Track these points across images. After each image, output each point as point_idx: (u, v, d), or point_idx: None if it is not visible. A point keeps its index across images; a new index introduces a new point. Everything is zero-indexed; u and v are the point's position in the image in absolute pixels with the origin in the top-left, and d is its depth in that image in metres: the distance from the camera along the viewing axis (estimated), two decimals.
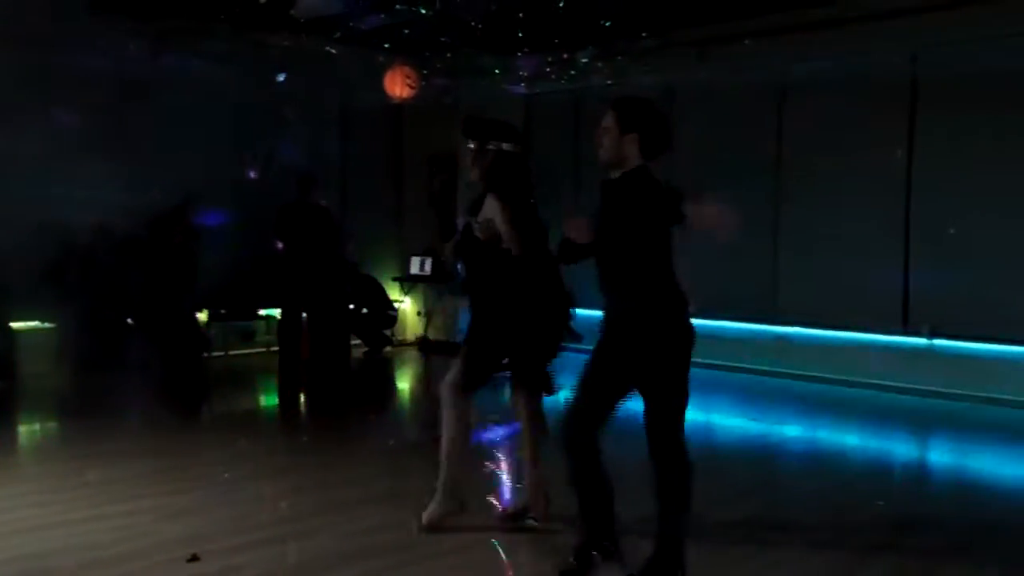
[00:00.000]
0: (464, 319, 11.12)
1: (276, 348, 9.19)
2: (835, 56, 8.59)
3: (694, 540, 3.82)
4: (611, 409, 3.68)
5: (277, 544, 4.28)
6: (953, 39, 7.89)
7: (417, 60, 9.84)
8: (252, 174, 9.52)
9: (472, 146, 4.31)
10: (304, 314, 8.65)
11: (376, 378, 9.96)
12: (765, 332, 9.18)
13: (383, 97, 9.90)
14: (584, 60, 9.74)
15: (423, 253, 10.96)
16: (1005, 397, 7.65)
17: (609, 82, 10.10)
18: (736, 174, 9.34)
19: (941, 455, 6.79)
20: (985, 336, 7.87)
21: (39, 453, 6.48)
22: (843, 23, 8.28)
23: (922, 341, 8.24)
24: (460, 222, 4.61)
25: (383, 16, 8.39)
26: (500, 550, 4.12)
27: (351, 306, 10.16)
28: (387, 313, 10.81)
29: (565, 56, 9.90)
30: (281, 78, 9.70)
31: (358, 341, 10.44)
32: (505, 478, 5.02)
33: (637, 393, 3.71)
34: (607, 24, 8.42)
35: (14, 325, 8.39)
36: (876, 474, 5.97)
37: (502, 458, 5.28)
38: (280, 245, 8.53)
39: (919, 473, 6.26)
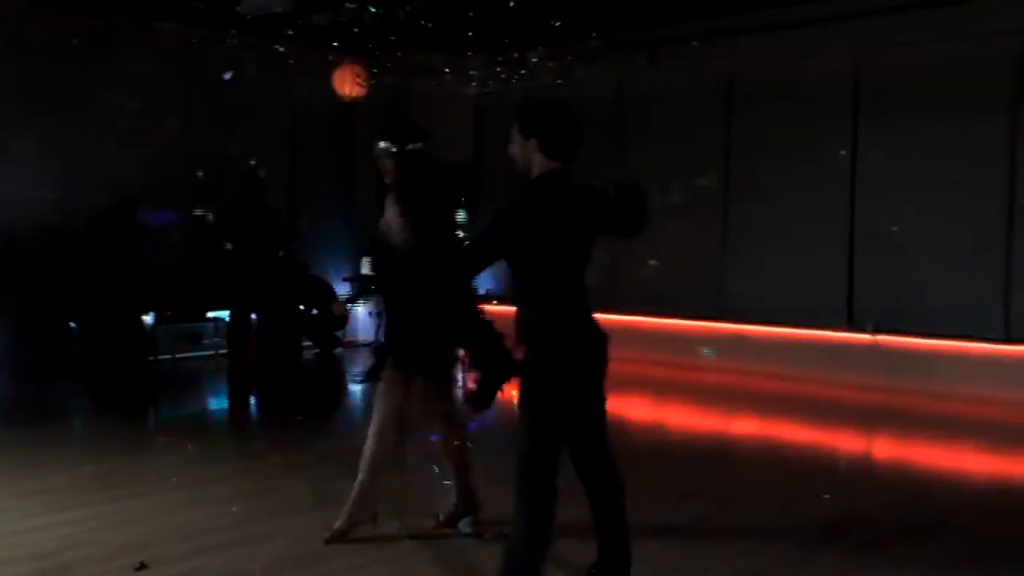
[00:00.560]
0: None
1: (225, 351, 9.07)
2: (781, 58, 8.73)
3: (644, 540, 3.85)
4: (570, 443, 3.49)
5: (229, 549, 4.22)
6: (895, 43, 8.07)
7: (367, 59, 9.78)
8: (199, 173, 9.36)
9: (393, 149, 4.30)
10: (253, 316, 8.54)
11: (326, 380, 9.88)
12: (713, 329, 9.29)
13: (333, 96, 9.83)
14: (534, 60, 9.76)
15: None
16: (947, 392, 7.84)
17: (559, 82, 10.15)
18: (685, 174, 9.45)
19: (885, 449, 6.94)
20: (927, 332, 8.07)
21: None
22: (789, 27, 8.43)
23: (866, 337, 8.41)
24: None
25: (332, 14, 8.33)
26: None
27: (300, 307, 10.08)
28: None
29: (515, 56, 9.92)
30: (228, 76, 9.56)
31: (309, 342, 10.36)
32: (445, 484, 5.01)
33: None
34: (557, 24, 8.45)
35: None
36: (823, 468, 6.07)
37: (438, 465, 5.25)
38: (228, 246, 8.42)
39: (864, 466, 6.38)
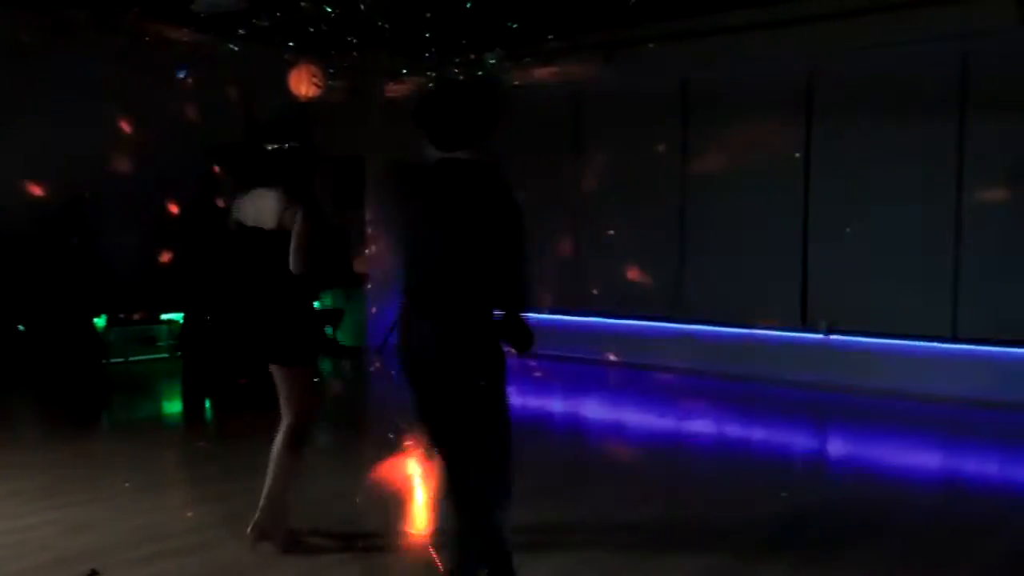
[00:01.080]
0: (372, 322, 11.06)
1: (179, 354, 8.95)
2: (737, 61, 8.83)
3: (599, 541, 3.83)
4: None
5: (183, 555, 4.17)
6: (846, 47, 8.21)
7: (323, 59, 9.71)
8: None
9: (283, 146, 4.32)
10: (208, 318, 8.44)
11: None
12: (670, 329, 9.38)
13: (288, 96, 9.73)
14: (492, 61, 9.77)
15: None
16: (897, 390, 8.00)
17: (516, 83, 10.16)
18: (642, 175, 9.53)
19: (839, 446, 7.05)
20: (878, 332, 8.22)
21: None
22: (744, 30, 8.52)
23: (819, 337, 8.54)
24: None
25: (286, 14, 8.25)
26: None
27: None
28: None
29: (472, 57, 9.91)
30: (182, 74, 9.45)
31: None
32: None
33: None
34: (514, 26, 8.46)
35: None
36: (779, 466, 6.16)
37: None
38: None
39: (819, 464, 6.48)
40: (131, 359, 9.53)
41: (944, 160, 7.90)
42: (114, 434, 7.25)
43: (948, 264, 7.90)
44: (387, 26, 8.37)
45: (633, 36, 9.15)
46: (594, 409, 7.99)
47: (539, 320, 10.93)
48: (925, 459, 6.31)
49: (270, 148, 4.28)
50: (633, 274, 9.59)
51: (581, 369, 9.59)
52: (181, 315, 8.88)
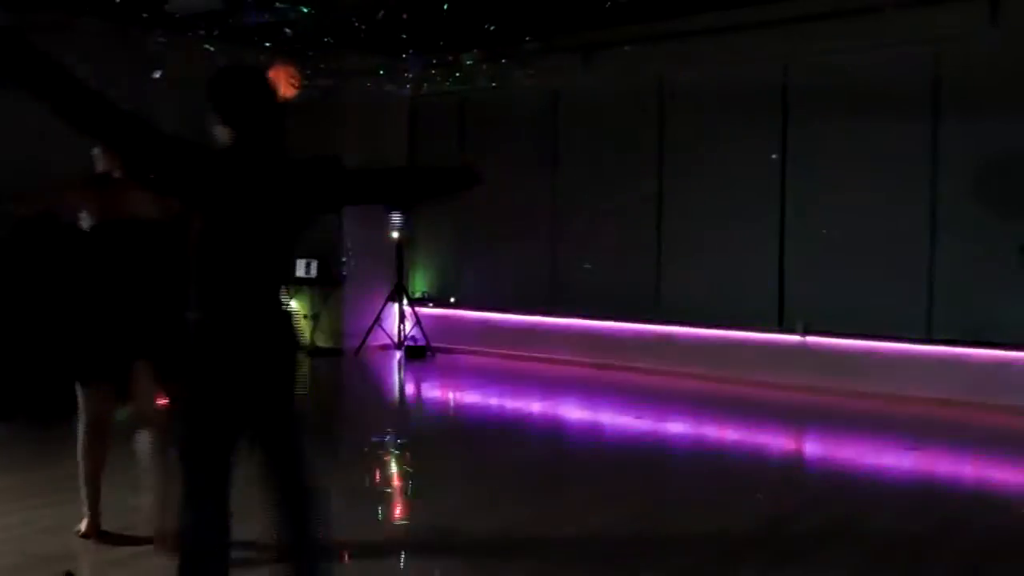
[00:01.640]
0: (350, 323, 10.99)
1: None
2: (713, 63, 8.88)
3: (575, 543, 3.82)
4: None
5: (157, 556, 4.13)
6: (821, 49, 8.27)
7: (300, 60, 9.66)
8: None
9: None
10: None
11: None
12: (647, 331, 9.41)
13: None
14: (469, 62, 9.77)
15: (308, 255, 10.79)
16: (872, 391, 8.06)
17: (494, 84, 10.18)
18: (619, 176, 9.56)
19: (814, 447, 7.09)
20: (854, 333, 8.28)
21: None
22: (720, 32, 8.58)
23: (796, 338, 8.60)
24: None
25: (265, 14, 8.21)
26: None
27: None
28: None
29: (450, 58, 9.91)
30: (157, 75, 9.37)
31: None
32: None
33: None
34: (491, 28, 8.47)
35: None
36: (755, 468, 6.19)
37: None
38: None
39: (795, 465, 6.52)
40: None
41: (918, 161, 7.98)
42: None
43: (923, 265, 7.97)
44: (363, 27, 8.35)
45: (611, 38, 9.19)
46: (570, 411, 8.00)
47: (517, 321, 10.81)
48: (900, 460, 6.36)
49: None
50: (610, 276, 9.61)
51: (557, 370, 9.61)
52: None
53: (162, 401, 4.24)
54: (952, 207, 7.84)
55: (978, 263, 7.72)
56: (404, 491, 5.43)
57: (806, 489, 5.64)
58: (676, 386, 8.81)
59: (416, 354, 10.46)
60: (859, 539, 4.59)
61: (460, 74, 10.07)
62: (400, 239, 10.82)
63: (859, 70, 8.18)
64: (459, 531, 4.55)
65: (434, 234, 11.09)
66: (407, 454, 6.26)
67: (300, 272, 10.89)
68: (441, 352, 10.61)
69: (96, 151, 4.29)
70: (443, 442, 6.81)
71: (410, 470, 5.88)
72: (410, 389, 9.36)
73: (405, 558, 4.24)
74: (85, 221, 4.19)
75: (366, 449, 6.19)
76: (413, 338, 10.70)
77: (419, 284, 11.32)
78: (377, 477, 5.59)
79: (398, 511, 5.00)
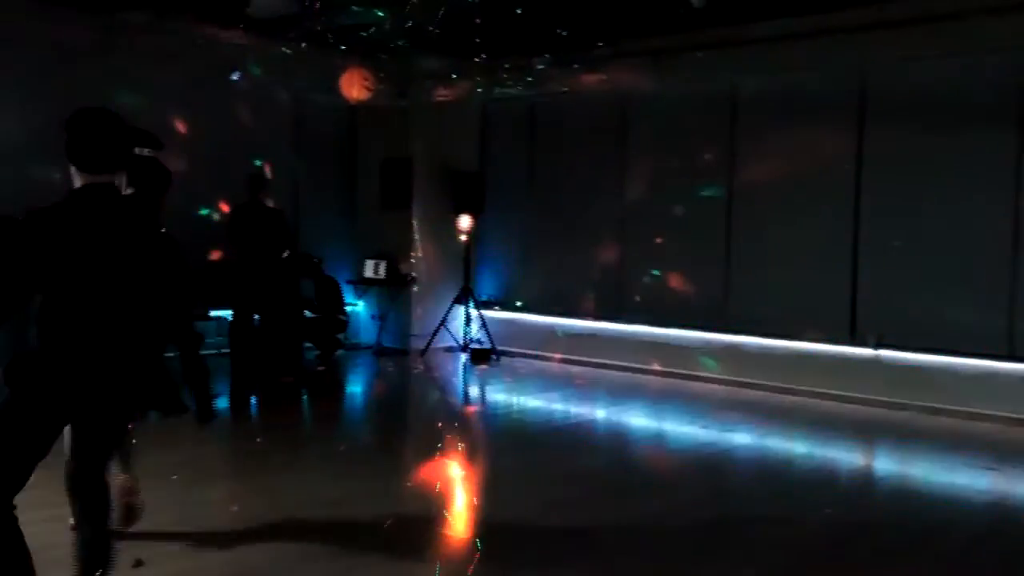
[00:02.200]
0: (416, 324, 11.11)
1: (227, 350, 9.05)
2: (785, 69, 8.74)
3: (638, 554, 3.80)
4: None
5: (230, 546, 4.22)
6: (899, 56, 8.08)
7: (373, 62, 9.80)
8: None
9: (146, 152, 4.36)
10: (256, 316, 8.54)
11: (326, 382, 9.86)
12: (715, 340, 9.29)
13: (337, 98, 9.82)
14: (540, 67, 9.79)
15: (377, 256, 10.92)
16: (946, 407, 7.83)
17: (565, 90, 10.17)
18: (688, 183, 9.47)
19: (885, 463, 6.92)
20: (928, 347, 8.05)
21: None
22: (792, 38, 8.43)
23: (868, 351, 8.40)
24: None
25: (342, 17, 8.34)
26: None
27: (306, 311, 10.13)
28: (337, 317, 10.72)
29: (522, 63, 9.94)
30: (235, 77, 9.59)
31: (310, 344, 10.38)
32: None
33: None
34: (563, 33, 8.46)
35: None
36: (824, 482, 6.07)
37: None
38: (232, 247, 8.43)
39: (864, 481, 6.37)
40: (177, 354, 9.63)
41: (1000, 172, 7.73)
42: (161, 428, 7.33)
43: (1005, 278, 7.72)
44: (437, 30, 8.41)
45: (680, 44, 9.11)
46: (636, 419, 7.93)
47: (581, 326, 10.75)
48: (974, 479, 6.16)
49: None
50: (677, 283, 9.52)
51: (621, 377, 9.54)
52: (229, 312, 8.99)
53: None
54: None
55: None
56: (482, 488, 5.44)
57: (876, 506, 5.51)
58: (744, 397, 8.68)
59: (481, 357, 10.49)
60: (932, 559, 4.46)
61: (531, 79, 10.09)
62: (468, 242, 10.87)
63: (940, 78, 7.97)
64: (533, 529, 4.55)
65: (501, 237, 11.13)
66: (478, 456, 6.28)
67: (369, 273, 11.03)
68: (505, 355, 10.63)
69: None
70: (510, 445, 6.83)
71: (484, 471, 5.90)
72: (478, 392, 9.40)
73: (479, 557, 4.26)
74: None
75: (436, 450, 6.24)
76: (478, 341, 10.74)
77: (486, 287, 11.35)
78: (458, 476, 5.61)
79: (470, 511, 5.02)
